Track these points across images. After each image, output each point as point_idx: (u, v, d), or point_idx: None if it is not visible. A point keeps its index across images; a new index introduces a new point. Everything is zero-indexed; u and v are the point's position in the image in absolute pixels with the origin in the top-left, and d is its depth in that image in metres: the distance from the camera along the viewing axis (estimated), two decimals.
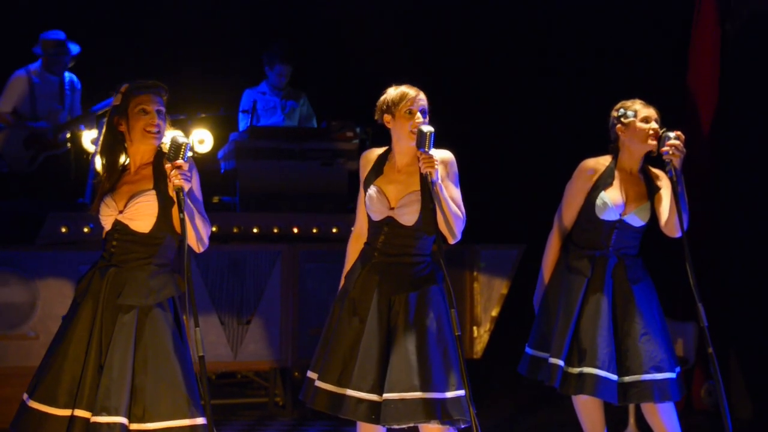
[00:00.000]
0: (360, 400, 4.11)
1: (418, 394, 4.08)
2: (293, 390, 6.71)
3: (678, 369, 4.85)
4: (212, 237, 6.52)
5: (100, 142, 4.11)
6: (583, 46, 8.31)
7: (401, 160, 4.33)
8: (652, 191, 4.87)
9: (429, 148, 4.14)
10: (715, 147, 6.99)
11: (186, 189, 3.87)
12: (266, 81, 7.96)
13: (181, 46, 8.42)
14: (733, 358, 6.80)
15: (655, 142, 4.75)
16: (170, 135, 3.98)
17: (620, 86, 5.20)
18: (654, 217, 4.88)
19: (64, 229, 6.32)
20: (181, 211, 3.83)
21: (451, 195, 4.24)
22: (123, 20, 8.50)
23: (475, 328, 6.84)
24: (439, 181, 4.17)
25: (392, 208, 4.26)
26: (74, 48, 7.74)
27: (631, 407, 6.04)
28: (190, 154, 3.92)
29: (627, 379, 4.75)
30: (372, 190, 4.30)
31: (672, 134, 4.64)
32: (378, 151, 4.42)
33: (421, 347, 4.14)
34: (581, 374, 4.74)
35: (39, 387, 3.90)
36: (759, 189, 6.77)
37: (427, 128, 4.17)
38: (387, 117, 4.28)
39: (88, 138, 7.51)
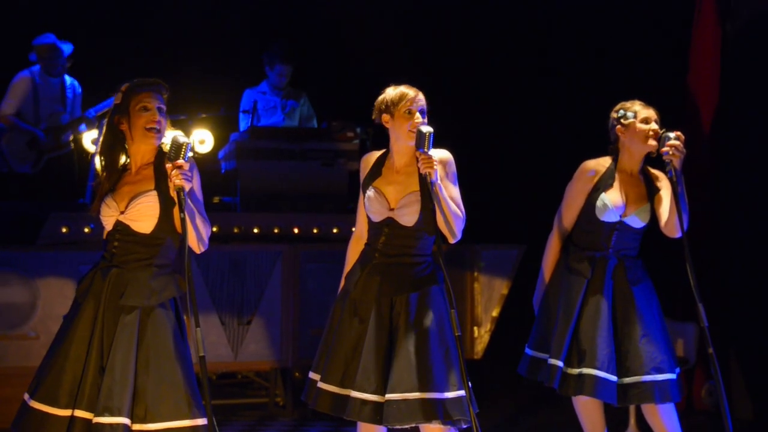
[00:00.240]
0: (365, 402, 4.11)
1: (420, 395, 4.09)
2: (294, 390, 6.71)
3: (678, 370, 4.85)
4: (213, 237, 6.52)
5: (100, 142, 4.10)
6: (583, 46, 8.31)
7: (400, 161, 4.33)
8: (652, 192, 4.88)
9: (428, 149, 4.15)
10: (715, 147, 6.99)
11: (187, 189, 3.87)
12: (266, 81, 7.97)
13: (181, 46, 8.42)
14: (733, 358, 6.80)
15: (655, 143, 4.75)
16: (170, 135, 3.98)
17: (620, 86, 5.21)
18: (654, 218, 4.88)
19: (64, 230, 6.33)
20: (182, 210, 3.83)
21: (451, 195, 4.24)
22: (123, 20, 8.50)
23: (475, 328, 6.84)
24: (439, 181, 4.17)
25: (392, 209, 4.26)
26: (66, 48, 7.74)
27: (632, 408, 6.04)
28: (190, 154, 3.92)
29: (627, 380, 4.75)
30: (371, 191, 4.30)
31: (672, 134, 4.64)
32: (376, 153, 4.43)
33: (423, 348, 4.14)
34: (581, 375, 4.74)
35: (40, 387, 3.90)
36: (759, 189, 6.77)
37: (426, 129, 4.17)
38: (386, 117, 4.28)
39: (89, 139, 7.51)
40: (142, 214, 3.95)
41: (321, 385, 4.21)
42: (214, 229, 6.60)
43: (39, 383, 3.91)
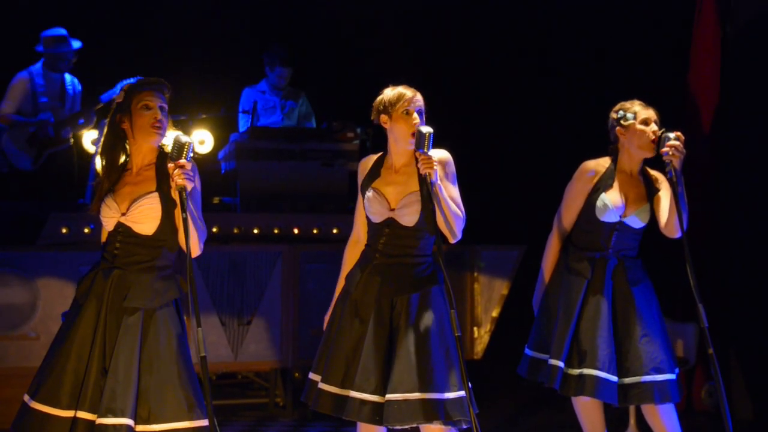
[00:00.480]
0: (364, 402, 4.11)
1: (420, 395, 4.08)
2: (294, 390, 6.71)
3: (677, 370, 4.85)
4: (213, 237, 6.58)
5: (101, 142, 4.10)
6: (583, 46, 8.31)
7: (398, 161, 4.32)
8: (651, 193, 4.88)
9: (428, 149, 4.15)
10: (715, 147, 6.99)
11: (189, 189, 3.87)
12: (266, 80, 7.96)
13: (181, 47, 8.42)
14: (733, 358, 6.80)
15: (652, 151, 4.76)
16: (171, 135, 3.98)
17: (620, 86, 5.21)
18: (653, 218, 4.88)
19: (64, 230, 6.33)
20: (184, 210, 3.83)
21: (450, 194, 4.25)
22: (123, 20, 8.50)
23: (475, 328, 6.84)
24: (438, 181, 4.17)
25: (392, 210, 4.26)
26: (75, 43, 7.74)
27: (632, 408, 6.04)
28: (192, 154, 3.92)
29: (627, 380, 4.75)
30: (370, 192, 4.30)
31: (672, 135, 4.64)
32: (374, 156, 4.43)
33: (424, 348, 4.14)
34: (581, 376, 4.74)
35: (41, 388, 3.89)
36: (759, 189, 6.77)
37: (426, 129, 4.17)
38: (384, 117, 4.28)
39: (89, 138, 7.51)
40: (144, 216, 3.95)
41: (322, 385, 4.21)
42: (214, 229, 6.61)
43: (40, 384, 3.91)
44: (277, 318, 6.53)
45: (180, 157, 3.87)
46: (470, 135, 8.39)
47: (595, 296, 4.81)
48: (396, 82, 4.34)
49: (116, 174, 4.06)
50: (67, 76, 7.86)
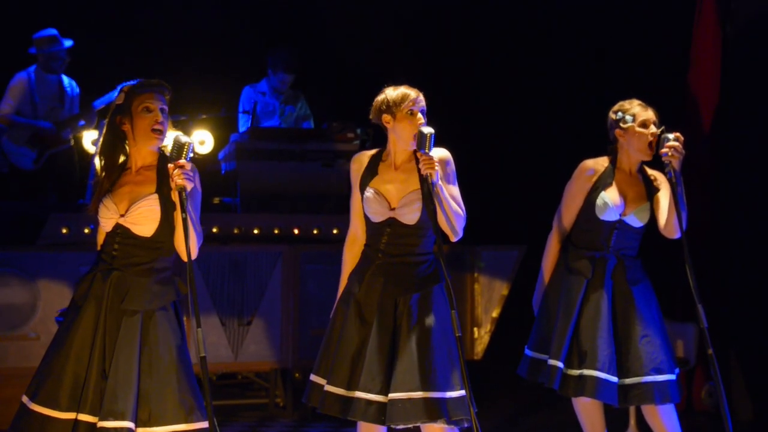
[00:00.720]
0: (370, 402, 4.11)
1: (424, 394, 4.09)
2: (294, 391, 6.71)
3: (677, 370, 4.85)
4: (213, 238, 6.58)
5: (100, 142, 4.10)
6: (583, 46, 8.31)
7: (398, 159, 4.32)
8: (651, 192, 4.88)
9: (429, 150, 4.15)
10: (715, 147, 6.99)
11: (188, 189, 3.86)
12: (267, 80, 7.96)
13: (181, 46, 8.42)
14: (733, 358, 6.80)
15: (651, 154, 4.77)
16: (171, 136, 3.98)
17: (620, 86, 5.20)
18: (653, 218, 4.88)
19: (65, 230, 6.33)
20: (183, 211, 3.83)
21: (451, 193, 4.25)
22: (123, 20, 8.50)
23: (475, 329, 6.84)
24: (439, 181, 4.17)
25: (393, 209, 4.26)
26: (67, 42, 7.74)
27: (632, 409, 6.04)
28: (191, 154, 3.92)
29: (627, 380, 4.75)
30: (369, 192, 4.29)
31: (671, 136, 4.64)
32: (369, 153, 4.41)
33: (427, 347, 4.14)
34: (581, 376, 4.74)
35: (41, 390, 3.88)
36: (759, 189, 6.77)
37: (428, 130, 4.17)
38: (386, 117, 4.27)
39: (89, 139, 7.51)
40: (143, 218, 3.94)
41: (328, 387, 4.20)
42: (215, 229, 6.61)
43: (39, 386, 3.89)
44: (278, 318, 6.53)
45: (180, 158, 3.86)
46: (470, 135, 8.39)
47: (595, 296, 4.81)
48: (396, 82, 4.34)
49: (115, 174, 4.05)
50: (65, 78, 7.86)
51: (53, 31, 7.70)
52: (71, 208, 6.65)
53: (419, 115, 4.23)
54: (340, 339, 4.24)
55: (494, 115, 8.62)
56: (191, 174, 3.88)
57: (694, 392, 6.87)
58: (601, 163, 4.92)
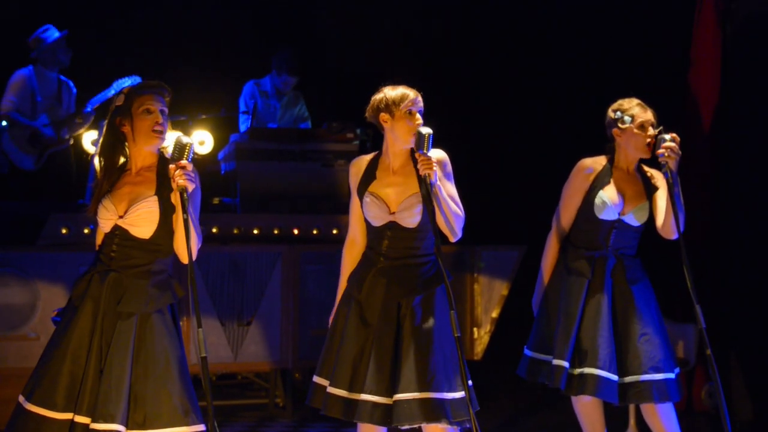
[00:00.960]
0: (375, 405, 4.12)
1: (428, 395, 4.10)
2: (294, 391, 6.72)
3: (677, 370, 4.85)
4: (213, 238, 6.58)
5: (100, 143, 4.10)
6: (583, 46, 8.31)
7: (396, 162, 4.32)
8: (649, 191, 4.88)
9: (428, 150, 4.15)
10: (715, 147, 6.98)
11: (190, 189, 3.86)
12: (270, 77, 7.96)
13: (181, 47, 8.42)
14: (733, 358, 6.80)
15: (648, 153, 4.77)
16: (171, 136, 3.98)
17: (620, 86, 5.19)
18: (652, 217, 4.87)
19: (64, 231, 6.32)
20: (184, 211, 3.82)
21: (449, 193, 4.25)
22: (123, 20, 8.50)
23: (475, 329, 6.84)
24: (438, 182, 4.17)
25: (393, 213, 4.26)
26: (53, 33, 7.69)
27: (632, 408, 6.04)
28: (192, 155, 3.92)
29: (627, 379, 4.75)
30: (368, 197, 4.29)
31: (667, 136, 4.64)
32: (367, 157, 4.41)
33: (430, 348, 4.15)
34: (582, 375, 4.74)
35: (36, 390, 3.88)
36: (759, 189, 6.76)
37: (426, 130, 4.17)
38: (385, 116, 4.26)
39: (89, 139, 7.51)
40: (142, 220, 3.94)
41: (330, 389, 4.20)
42: (214, 230, 6.61)
43: (35, 386, 3.89)
44: (277, 319, 6.53)
45: (181, 158, 3.86)
46: (470, 135, 8.39)
47: (596, 296, 4.82)
48: (396, 82, 4.33)
49: (115, 176, 4.05)
50: (62, 78, 7.85)
51: (41, 29, 7.68)
52: (71, 208, 6.65)
53: (418, 115, 4.23)
54: (342, 341, 4.24)
55: (494, 115, 8.62)
56: (192, 175, 3.88)
57: (694, 393, 6.87)
58: (599, 162, 4.92)
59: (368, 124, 4.38)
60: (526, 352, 4.99)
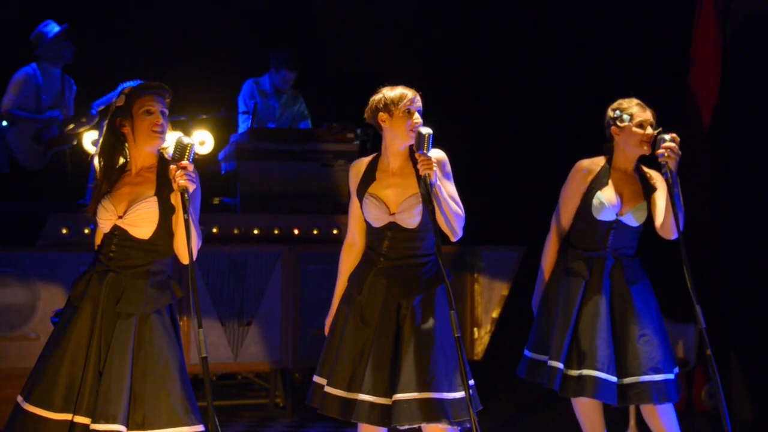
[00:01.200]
0: (374, 405, 4.12)
1: (428, 395, 4.10)
2: (294, 391, 6.72)
3: (676, 370, 4.85)
4: (213, 238, 6.58)
5: (100, 143, 4.10)
6: (583, 46, 8.31)
7: (395, 163, 4.32)
8: (648, 191, 4.88)
9: (427, 150, 4.15)
10: (715, 147, 6.98)
11: (191, 190, 3.86)
12: (268, 75, 7.96)
13: (181, 47, 8.42)
14: (733, 358, 6.80)
15: (648, 148, 4.77)
16: (171, 137, 3.98)
17: (620, 86, 5.19)
18: (651, 217, 4.87)
19: (64, 231, 6.33)
20: (185, 212, 3.83)
21: (449, 193, 4.25)
22: (123, 20, 8.50)
23: (475, 329, 6.84)
24: (438, 182, 4.17)
25: (393, 213, 4.26)
26: (53, 27, 7.68)
27: (632, 408, 6.04)
28: (193, 155, 3.92)
29: (626, 380, 4.76)
30: (367, 199, 4.29)
31: (667, 137, 4.65)
32: (366, 159, 4.41)
33: (431, 348, 4.16)
34: (581, 376, 4.74)
35: (35, 390, 3.88)
36: (759, 189, 6.76)
37: (426, 130, 4.17)
38: (383, 116, 4.25)
39: (89, 139, 7.50)
40: (141, 220, 3.94)
41: (328, 389, 4.21)
42: (215, 230, 6.61)
43: (34, 386, 3.89)
44: (277, 319, 6.53)
45: (182, 158, 3.87)
46: (470, 135, 8.39)
47: (594, 296, 4.82)
48: (395, 82, 4.33)
49: (115, 176, 4.06)
50: (64, 75, 7.85)
51: (46, 21, 7.68)
52: (71, 208, 6.65)
53: (416, 114, 4.23)
54: (341, 341, 4.24)
55: (494, 115, 8.62)
56: (193, 176, 3.88)
57: (694, 393, 6.86)
58: (597, 162, 4.92)
59: (368, 124, 4.38)
60: (526, 352, 4.99)
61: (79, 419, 3.83)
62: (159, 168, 4.03)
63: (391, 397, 4.12)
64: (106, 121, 4.10)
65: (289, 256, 6.58)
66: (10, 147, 7.62)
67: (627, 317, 4.81)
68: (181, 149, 3.88)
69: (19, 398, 3.93)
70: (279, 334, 6.53)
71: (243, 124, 7.79)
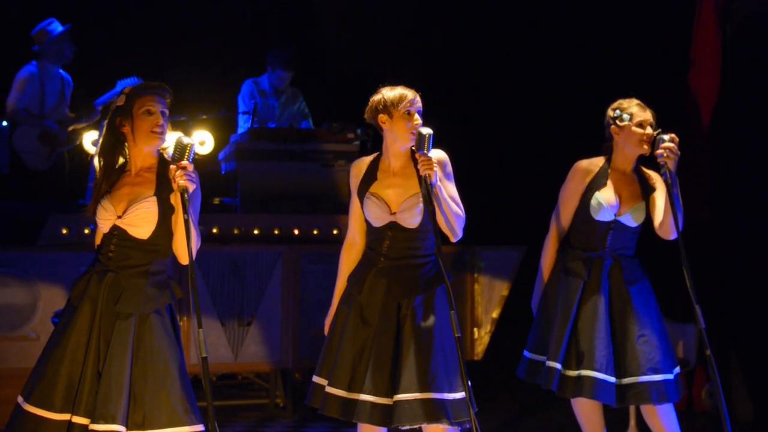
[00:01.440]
0: (374, 405, 4.12)
1: (429, 395, 4.11)
2: (294, 391, 6.72)
3: (676, 370, 4.85)
4: (213, 238, 6.58)
5: (100, 143, 4.10)
6: (583, 46, 8.31)
7: (396, 163, 4.32)
8: (646, 192, 4.88)
9: (428, 151, 4.15)
10: (715, 147, 6.98)
11: (191, 190, 3.86)
12: (267, 75, 7.96)
13: (181, 47, 8.42)
14: (733, 359, 6.80)
15: (648, 148, 4.77)
16: (171, 137, 3.98)
17: (620, 86, 5.20)
18: (649, 219, 4.87)
19: (64, 231, 6.33)
20: (185, 212, 3.83)
21: (450, 194, 4.25)
22: (123, 20, 8.50)
23: (475, 329, 6.84)
24: (438, 182, 4.17)
25: (393, 213, 4.26)
26: (57, 26, 7.68)
27: (632, 409, 6.04)
28: (193, 155, 3.92)
29: (625, 380, 4.75)
30: (368, 198, 4.29)
31: (666, 137, 4.65)
32: (367, 159, 4.41)
33: (431, 349, 4.16)
34: (579, 377, 4.74)
35: (35, 390, 3.88)
36: (759, 189, 6.76)
37: (426, 131, 4.17)
38: (383, 117, 4.25)
39: (89, 139, 7.50)
40: (141, 220, 3.94)
41: (329, 389, 4.21)
42: (215, 230, 6.61)
43: (34, 387, 3.90)
44: (278, 319, 6.53)
45: (182, 158, 3.87)
46: (470, 135, 8.39)
47: (592, 297, 4.82)
48: (396, 82, 4.33)
49: (114, 176, 4.05)
50: (62, 72, 7.84)
51: (48, 20, 7.67)
52: (71, 208, 6.65)
53: (416, 115, 4.23)
54: (341, 341, 4.24)
55: (494, 115, 8.62)
56: (193, 176, 3.88)
57: (694, 393, 6.87)
58: (596, 163, 4.93)
59: (368, 124, 4.38)
60: (525, 353, 4.99)
61: (78, 419, 3.83)
62: (159, 168, 4.03)
63: (391, 397, 4.12)
64: (106, 121, 4.10)
65: (289, 256, 6.58)
66: (16, 148, 7.62)
67: (626, 318, 4.81)
68: (181, 149, 3.88)
69: (20, 398, 3.93)
70: (279, 334, 6.54)
71: (243, 124, 7.79)
